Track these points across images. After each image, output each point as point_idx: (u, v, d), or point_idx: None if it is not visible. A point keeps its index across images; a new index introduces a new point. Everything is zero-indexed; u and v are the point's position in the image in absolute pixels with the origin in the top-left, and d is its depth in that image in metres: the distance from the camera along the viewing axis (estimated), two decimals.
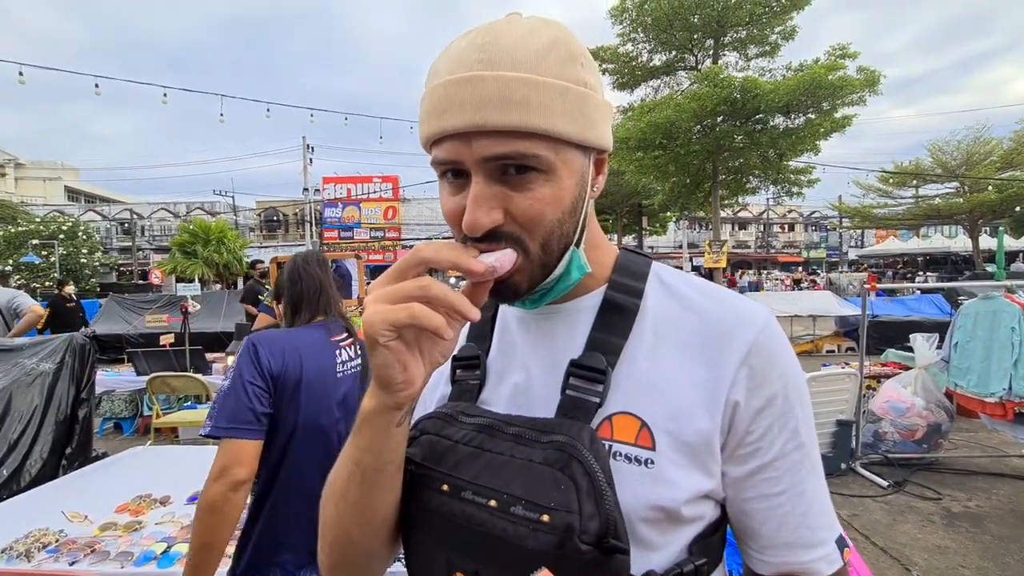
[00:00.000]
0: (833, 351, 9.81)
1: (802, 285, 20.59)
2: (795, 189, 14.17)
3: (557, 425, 0.50)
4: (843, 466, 4.18)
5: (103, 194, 41.25)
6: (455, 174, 0.50)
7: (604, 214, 19.59)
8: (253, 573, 1.30)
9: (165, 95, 10.13)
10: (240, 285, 23.80)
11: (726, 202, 14.98)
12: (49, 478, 2.80)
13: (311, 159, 25.47)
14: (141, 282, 24.48)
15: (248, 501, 1.31)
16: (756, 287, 20.01)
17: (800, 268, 34.38)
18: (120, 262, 29.29)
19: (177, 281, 20.44)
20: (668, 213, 20.93)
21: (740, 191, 14.26)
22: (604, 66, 13.25)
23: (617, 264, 0.59)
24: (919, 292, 11.50)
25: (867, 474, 4.09)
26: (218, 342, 8.00)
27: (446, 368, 0.62)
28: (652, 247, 31.67)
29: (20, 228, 20.00)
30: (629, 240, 27.31)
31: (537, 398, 0.55)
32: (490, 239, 0.49)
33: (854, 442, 4.24)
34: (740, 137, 12.05)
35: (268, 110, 12.20)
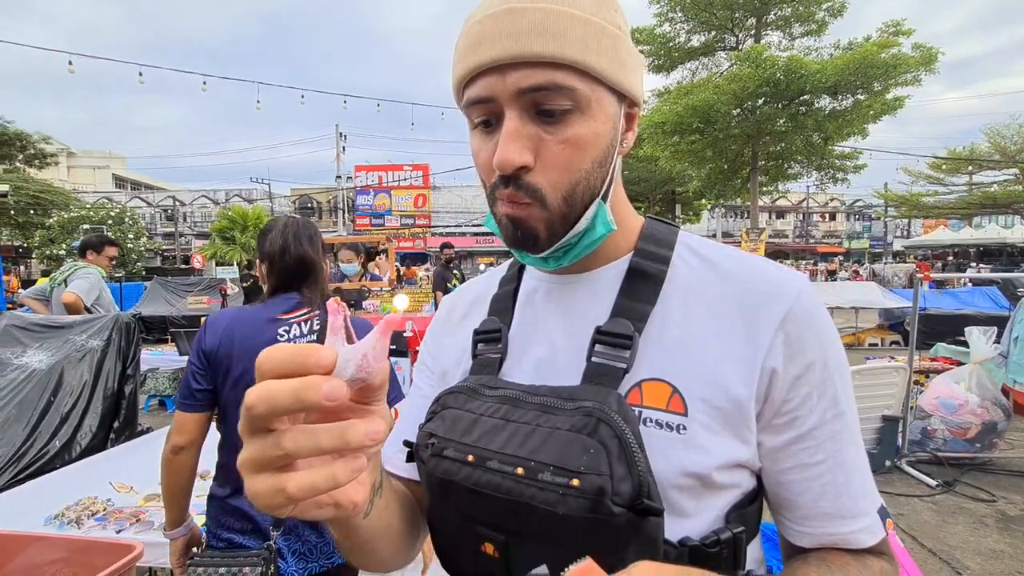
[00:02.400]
0: (876, 344, 9.41)
1: (837, 276, 19.68)
2: (840, 175, 13.53)
3: (583, 392, 0.48)
4: (888, 464, 4.00)
5: (148, 182, 42.95)
6: (487, 124, 0.49)
7: (636, 201, 19.15)
8: (209, 537, 1.46)
9: (204, 83, 10.41)
10: None
11: (765, 189, 14.40)
12: (98, 450, 2.93)
13: (344, 147, 25.83)
14: (184, 266, 25.46)
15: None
16: None
17: (839, 258, 33.07)
18: (164, 247, 30.50)
19: (217, 265, 21.13)
20: (703, 200, 20.33)
21: (781, 177, 13.69)
22: (639, 48, 12.84)
23: (643, 232, 0.57)
24: (971, 284, 10.89)
25: (914, 473, 3.90)
26: None
27: (468, 343, 0.61)
28: None
29: (72, 214, 21.04)
30: None
31: (562, 368, 0.53)
32: (514, 187, 0.48)
33: (900, 439, 4.05)
34: (783, 120, 11.49)
35: (303, 97, 12.39)
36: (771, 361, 0.48)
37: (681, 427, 0.47)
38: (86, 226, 19.33)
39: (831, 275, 20.41)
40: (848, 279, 17.45)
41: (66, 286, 3.71)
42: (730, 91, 10.80)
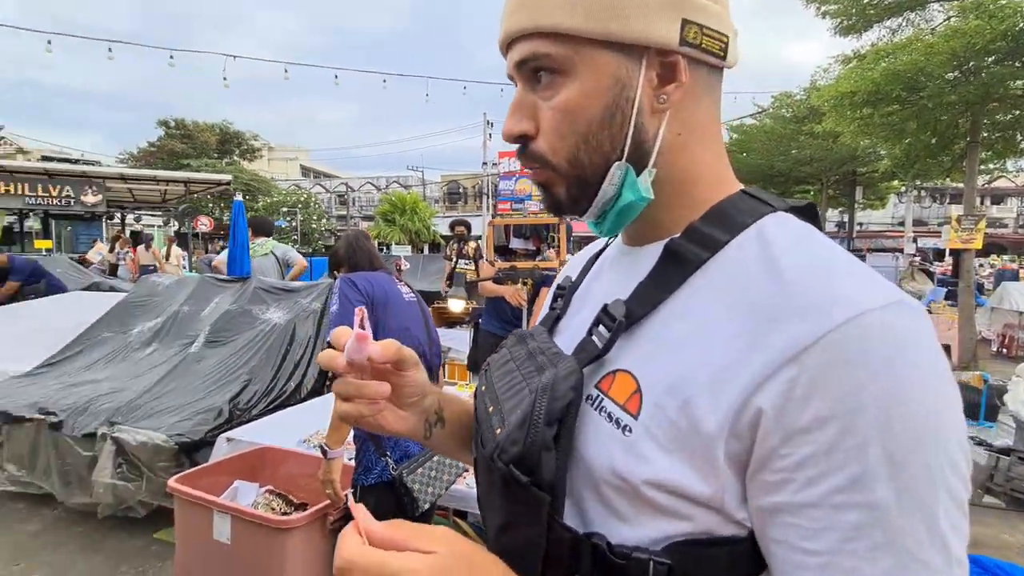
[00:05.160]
0: None
1: None
2: None
3: (562, 361, 0.49)
4: None
5: (326, 170, 49.53)
6: None
7: (806, 184, 16.87)
8: (369, 460, 1.77)
9: (384, 80, 11.63)
10: (427, 251, 26.72)
11: (986, 167, 11.69)
12: (319, 393, 3.52)
13: (490, 134, 26.95)
14: None
15: None
16: (1014, 276, 15.31)
17: None
18: (338, 228, 35.07)
19: (380, 245, 23.69)
20: (894, 182, 17.26)
21: (1009, 153, 11.00)
22: (823, 8, 11.11)
23: (712, 208, 0.48)
24: None
25: None
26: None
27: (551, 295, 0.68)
28: (862, 224, 26.66)
29: (274, 199, 25.19)
30: (835, 215, 23.42)
31: (582, 334, 0.53)
32: (526, 157, 0.51)
33: None
34: (1021, 82, 9.22)
35: (464, 88, 13.19)
36: (761, 399, 0.37)
37: (628, 428, 0.43)
38: (284, 208, 22.99)
39: None
40: None
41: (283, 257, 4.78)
42: (947, 50, 8.83)
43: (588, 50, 0.45)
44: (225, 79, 9.45)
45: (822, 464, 0.36)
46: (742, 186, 0.51)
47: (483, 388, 0.59)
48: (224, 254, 5.11)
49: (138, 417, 2.93)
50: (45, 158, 22.71)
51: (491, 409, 0.53)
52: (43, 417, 2.99)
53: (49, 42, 8.88)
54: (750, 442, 0.38)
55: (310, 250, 21.61)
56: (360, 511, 0.39)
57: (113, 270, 8.88)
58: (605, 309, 0.49)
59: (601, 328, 0.48)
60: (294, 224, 24.20)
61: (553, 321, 0.60)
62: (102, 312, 4.32)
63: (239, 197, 4.77)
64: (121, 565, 2.66)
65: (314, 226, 26.38)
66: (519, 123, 0.49)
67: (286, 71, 10.18)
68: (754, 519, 0.40)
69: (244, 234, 4.44)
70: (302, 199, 26.48)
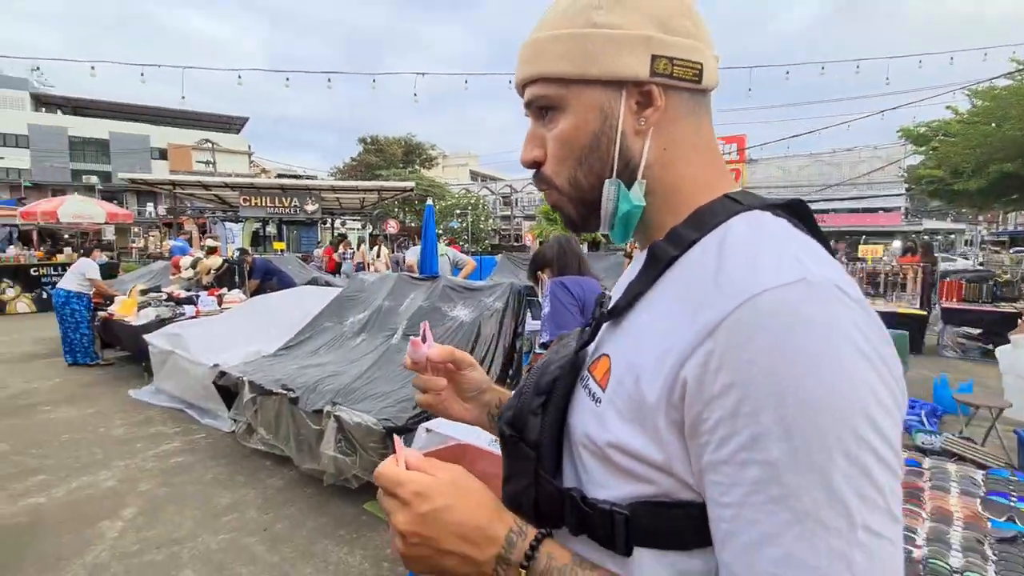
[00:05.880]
0: None
1: None
2: None
3: (569, 348, 0.61)
4: None
5: (492, 174, 52.69)
6: None
7: None
8: None
9: None
10: (586, 249, 26.75)
11: None
12: None
13: None
14: (516, 243, 30.35)
15: None
16: None
17: None
18: (502, 228, 36.98)
19: (540, 244, 24.39)
20: None
21: None
22: None
23: (692, 213, 0.54)
24: None
25: None
26: None
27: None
28: None
29: (448, 202, 27.57)
30: None
31: None
32: (538, 180, 0.60)
33: None
34: None
35: None
36: (687, 371, 0.44)
37: (598, 400, 0.52)
38: (458, 211, 25.03)
39: None
40: None
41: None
42: None
43: (577, 88, 0.54)
44: (415, 95, 10.55)
45: (728, 425, 0.41)
46: (730, 191, 0.54)
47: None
48: (410, 252, 5.64)
49: (354, 400, 3.31)
50: (280, 175, 28.12)
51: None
52: (285, 392, 3.56)
53: (287, 79, 10.84)
54: (683, 411, 0.44)
55: (478, 249, 23.14)
56: (400, 445, 0.54)
57: (336, 268, 10.55)
58: (601, 305, 0.62)
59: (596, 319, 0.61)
60: (465, 225, 26.20)
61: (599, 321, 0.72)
62: (321, 305, 5.06)
63: (430, 202, 5.17)
64: (340, 529, 3.03)
65: (481, 226, 28.22)
66: (531, 152, 0.58)
67: (466, 82, 10.98)
68: (698, 483, 0.45)
69: (434, 235, 4.80)
70: (472, 202, 28.50)
